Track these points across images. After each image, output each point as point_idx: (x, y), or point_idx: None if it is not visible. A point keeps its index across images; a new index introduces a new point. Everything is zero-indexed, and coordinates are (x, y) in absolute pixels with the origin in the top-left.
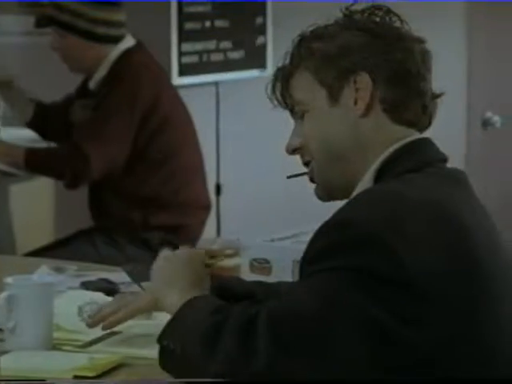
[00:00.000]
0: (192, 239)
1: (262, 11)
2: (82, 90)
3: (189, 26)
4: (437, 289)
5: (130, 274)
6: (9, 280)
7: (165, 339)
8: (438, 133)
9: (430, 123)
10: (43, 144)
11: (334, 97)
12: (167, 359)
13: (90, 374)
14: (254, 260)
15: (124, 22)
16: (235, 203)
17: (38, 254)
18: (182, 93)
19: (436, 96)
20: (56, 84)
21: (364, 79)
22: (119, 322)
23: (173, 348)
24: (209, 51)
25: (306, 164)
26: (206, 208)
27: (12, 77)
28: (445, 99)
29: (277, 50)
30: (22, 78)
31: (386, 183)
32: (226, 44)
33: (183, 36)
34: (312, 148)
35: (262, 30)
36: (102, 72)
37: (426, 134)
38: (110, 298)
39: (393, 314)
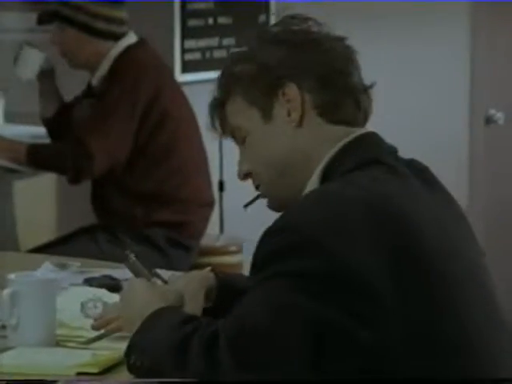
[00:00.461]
0: (195, 236)
1: (265, 8)
2: (88, 90)
3: (192, 22)
4: (378, 285)
5: (131, 265)
6: (12, 276)
7: (132, 354)
8: (441, 130)
9: (366, 118)
10: (45, 140)
11: (266, 115)
12: (137, 373)
13: (94, 371)
14: None
15: (126, 20)
16: (238, 200)
17: (41, 250)
18: (185, 90)
19: (367, 87)
20: (61, 81)
21: (291, 90)
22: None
23: (140, 364)
24: (212, 48)
25: (257, 187)
26: (209, 204)
27: (54, 68)
28: (448, 97)
29: None
30: None
31: (326, 184)
32: (229, 41)
33: (186, 33)
34: (259, 171)
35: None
36: (103, 69)
37: (429, 129)
38: (113, 295)
39: (343, 312)
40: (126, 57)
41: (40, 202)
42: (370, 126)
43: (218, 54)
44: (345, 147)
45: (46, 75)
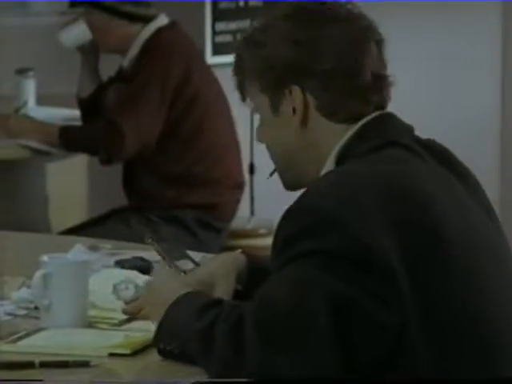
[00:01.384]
0: (226, 218)
1: None
2: (119, 72)
3: (223, 5)
4: (394, 267)
5: (160, 253)
6: (44, 258)
7: (160, 342)
8: (472, 106)
9: (379, 106)
10: (77, 122)
11: (275, 107)
12: (169, 358)
13: (126, 352)
14: None
15: (152, 3)
16: (269, 182)
17: (73, 232)
18: (216, 72)
19: (381, 79)
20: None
21: (295, 92)
22: None
23: (169, 350)
24: (242, 30)
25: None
26: (240, 186)
27: (98, 50)
28: (479, 74)
29: None
30: (58, 58)
31: (341, 166)
32: None
33: (217, 15)
34: (269, 153)
35: None
36: (134, 51)
37: (461, 105)
38: (144, 276)
39: (367, 294)
40: (157, 39)
41: (72, 183)
42: (401, 105)
43: None
44: (358, 131)
45: (90, 53)
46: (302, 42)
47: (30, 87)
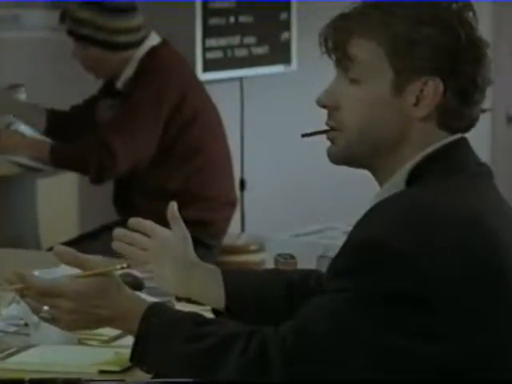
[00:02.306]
0: (218, 235)
1: (287, 6)
2: (108, 90)
3: (213, 21)
4: (459, 305)
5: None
6: (35, 274)
7: (139, 363)
8: None
9: (472, 126)
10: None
11: (398, 87)
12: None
13: (116, 369)
14: (279, 255)
15: (143, 25)
16: (259, 199)
17: None
18: (207, 88)
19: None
20: (84, 79)
21: (436, 86)
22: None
23: (151, 370)
24: (233, 47)
25: (331, 127)
26: (233, 204)
27: (20, 84)
28: None
29: (301, 45)
30: (50, 72)
31: (416, 192)
32: (250, 39)
33: (208, 31)
34: (347, 119)
35: (287, 26)
36: (129, 72)
37: None
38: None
39: (409, 335)
40: (152, 58)
41: (62, 200)
42: None
43: (239, 52)
44: (436, 152)
45: (15, 91)
46: (465, 39)
47: None
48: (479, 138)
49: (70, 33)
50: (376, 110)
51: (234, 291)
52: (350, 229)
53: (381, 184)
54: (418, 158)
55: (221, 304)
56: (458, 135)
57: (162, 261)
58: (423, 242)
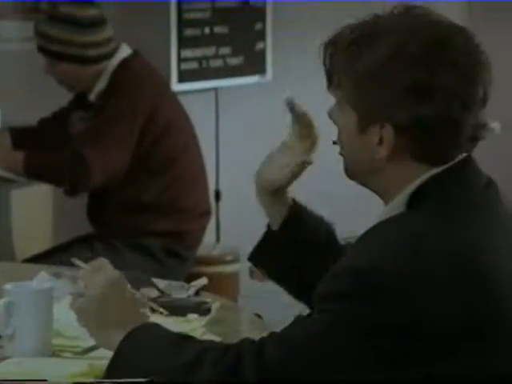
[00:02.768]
0: (192, 246)
1: (262, 17)
2: (79, 103)
3: (188, 32)
4: (449, 341)
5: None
6: (7, 286)
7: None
8: None
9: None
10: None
11: (361, 127)
12: None
13: (89, 380)
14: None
15: (113, 37)
16: (235, 209)
17: (37, 260)
18: (182, 99)
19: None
20: (60, 89)
21: (387, 132)
22: None
23: None
24: (208, 57)
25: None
26: (207, 214)
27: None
28: None
29: (276, 55)
30: (26, 84)
31: (411, 218)
32: (225, 50)
33: (183, 42)
34: (340, 139)
35: (262, 36)
36: (101, 84)
37: None
38: None
39: (386, 363)
40: (124, 70)
41: (36, 211)
42: None
43: (214, 63)
44: (438, 175)
45: None
46: (405, 87)
47: None
48: None
49: (40, 49)
50: (351, 140)
51: (296, 211)
52: None
53: (386, 203)
54: (412, 186)
55: (279, 220)
56: (463, 156)
57: None
58: (409, 272)
